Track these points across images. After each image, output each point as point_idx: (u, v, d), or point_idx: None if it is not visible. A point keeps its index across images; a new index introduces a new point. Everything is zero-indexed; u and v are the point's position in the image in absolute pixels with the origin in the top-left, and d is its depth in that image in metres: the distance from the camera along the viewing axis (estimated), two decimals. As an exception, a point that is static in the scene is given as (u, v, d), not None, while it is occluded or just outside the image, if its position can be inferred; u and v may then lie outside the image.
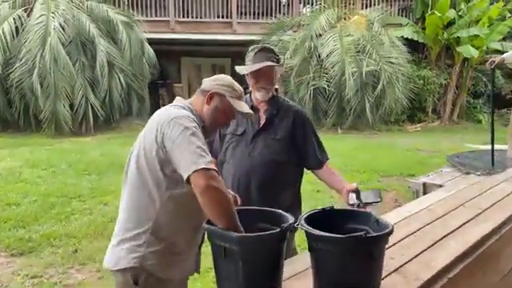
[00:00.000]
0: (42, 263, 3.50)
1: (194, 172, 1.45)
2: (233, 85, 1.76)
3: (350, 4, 13.07)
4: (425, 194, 3.93)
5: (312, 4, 13.43)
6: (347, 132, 11.29)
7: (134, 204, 1.66)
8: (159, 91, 14.04)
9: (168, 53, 14.66)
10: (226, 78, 1.79)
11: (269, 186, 2.17)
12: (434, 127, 12.74)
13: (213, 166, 1.49)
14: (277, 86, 2.32)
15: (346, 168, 6.89)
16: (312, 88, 11.19)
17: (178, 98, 1.81)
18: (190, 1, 13.08)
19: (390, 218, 2.09)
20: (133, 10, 12.61)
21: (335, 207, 1.73)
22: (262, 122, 2.22)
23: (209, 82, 1.77)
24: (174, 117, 1.58)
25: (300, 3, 13.80)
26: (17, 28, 10.03)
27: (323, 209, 1.68)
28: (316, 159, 2.27)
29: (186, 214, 1.63)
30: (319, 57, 11.44)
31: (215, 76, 1.82)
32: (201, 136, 1.56)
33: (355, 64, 11.04)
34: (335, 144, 9.20)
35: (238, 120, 2.15)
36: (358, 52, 11.35)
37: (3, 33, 9.69)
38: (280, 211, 1.67)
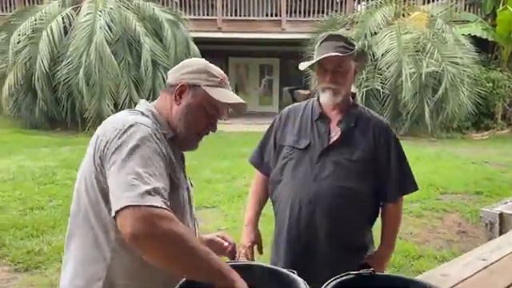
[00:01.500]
0: (44, 282, 3.13)
1: (117, 212, 0.98)
2: (208, 68, 1.25)
3: (409, -1, 12.09)
4: (502, 229, 3.09)
5: (367, 0, 12.56)
6: (403, 138, 10.23)
7: (79, 254, 1.16)
8: (205, 91, 13.79)
9: (215, 52, 14.36)
10: (198, 62, 1.28)
11: (340, 221, 1.69)
12: (503, 135, 11.41)
13: (154, 202, 0.99)
14: (354, 90, 1.82)
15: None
16: (364, 90, 10.37)
17: (141, 100, 1.30)
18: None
19: (458, 268, 1.72)
20: (180, 8, 12.44)
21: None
22: (334, 135, 1.73)
23: (175, 73, 1.26)
24: (119, 127, 1.08)
25: (354, 0, 12.98)
26: (65, 27, 10.10)
27: (359, 273, 1.17)
28: (395, 191, 1.76)
29: (148, 264, 1.09)
30: (373, 56, 10.59)
31: (182, 62, 1.29)
32: (148, 153, 1.06)
33: (414, 64, 10.09)
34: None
35: (300, 128, 1.77)
36: (418, 51, 10.37)
37: (51, 31, 9.77)
38: (293, 276, 1.12)
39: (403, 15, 11.62)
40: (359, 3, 13.05)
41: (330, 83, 1.68)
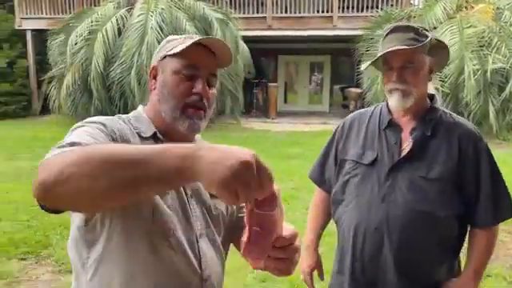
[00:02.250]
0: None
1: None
2: (172, 38, 1.08)
3: (473, -9, 11.23)
4: None
5: (426, -7, 11.84)
6: (463, 140, 9.63)
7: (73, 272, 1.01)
8: (254, 90, 13.67)
9: (265, 51, 14.26)
10: (165, 39, 1.11)
11: (414, 254, 1.40)
12: None
13: (59, 150, 0.77)
14: (433, 91, 1.53)
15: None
16: (422, 88, 9.76)
17: (139, 106, 1.14)
18: (288, -5, 12.46)
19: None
20: (230, 7, 12.39)
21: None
22: (407, 147, 1.44)
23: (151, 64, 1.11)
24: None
25: (412, -7, 12.30)
26: (119, 28, 10.35)
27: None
28: (487, 216, 1.42)
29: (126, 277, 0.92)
30: (432, 52, 9.93)
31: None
32: (87, 128, 0.90)
33: (478, 61, 9.34)
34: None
35: (366, 140, 1.51)
36: (482, 46, 9.60)
37: (106, 32, 10.05)
38: None
39: (466, 8, 10.81)
40: (417, -4, 12.34)
41: (397, 83, 1.40)
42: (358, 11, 12.31)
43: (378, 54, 1.43)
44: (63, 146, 0.81)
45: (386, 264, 1.40)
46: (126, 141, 0.95)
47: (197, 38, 1.02)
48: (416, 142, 1.42)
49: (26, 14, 13.08)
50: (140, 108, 1.11)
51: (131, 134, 0.99)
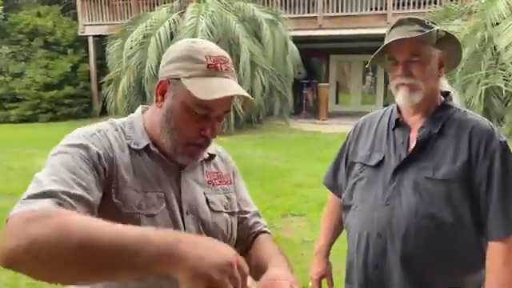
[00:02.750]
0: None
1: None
2: (191, 52, 0.92)
3: (543, -18, 10.34)
4: None
5: (490, -14, 11.08)
6: (530, 144, 8.90)
7: None
8: (304, 91, 13.53)
9: (316, 51, 14.09)
10: (182, 46, 0.95)
11: (421, 264, 1.28)
12: None
13: (35, 205, 0.73)
14: (447, 88, 1.40)
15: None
16: (483, 88, 9.13)
17: (139, 107, 1.07)
18: (340, -6, 12.21)
19: None
20: (280, 7, 12.36)
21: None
22: (413, 146, 1.34)
23: (161, 65, 0.98)
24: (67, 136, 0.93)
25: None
26: (171, 31, 10.66)
27: None
28: (499, 226, 1.25)
29: None
30: (495, 49, 9.27)
31: (169, 48, 1.00)
32: (68, 160, 0.84)
33: (547, 57, 8.60)
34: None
35: (374, 141, 1.43)
36: (553, 42, 8.82)
37: (159, 36, 10.39)
38: None
39: (534, 1, 10.00)
40: (479, -10, 11.57)
41: (403, 77, 1.30)
42: (414, 7, 11.80)
43: (381, 47, 1.33)
44: (36, 197, 0.75)
45: (392, 272, 1.30)
46: (112, 158, 0.91)
47: (224, 80, 0.91)
48: (421, 141, 1.31)
49: (88, 20, 13.89)
50: (139, 112, 1.04)
51: (120, 148, 0.95)
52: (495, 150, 1.27)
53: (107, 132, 0.96)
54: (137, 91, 10.92)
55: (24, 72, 13.22)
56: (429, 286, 1.30)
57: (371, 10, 12.24)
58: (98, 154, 0.90)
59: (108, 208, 0.88)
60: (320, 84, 13.39)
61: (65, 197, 0.77)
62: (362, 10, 12.19)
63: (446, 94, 1.41)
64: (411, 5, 11.86)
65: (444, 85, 1.42)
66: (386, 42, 1.31)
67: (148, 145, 0.97)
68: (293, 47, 11.16)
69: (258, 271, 0.95)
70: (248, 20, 10.96)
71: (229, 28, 10.53)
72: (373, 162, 1.40)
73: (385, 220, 1.30)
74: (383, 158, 1.38)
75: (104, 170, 0.89)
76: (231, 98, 0.93)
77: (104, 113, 13.61)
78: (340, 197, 1.55)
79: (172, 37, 10.65)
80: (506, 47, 9.02)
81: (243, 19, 10.93)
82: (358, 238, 1.37)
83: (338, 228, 1.62)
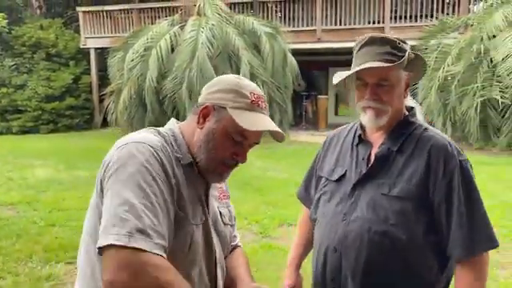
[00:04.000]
0: None
1: (101, 248, 0.87)
2: (237, 87, 1.07)
3: (538, -4, 10.50)
4: None
5: (485, 0, 11.25)
6: (526, 156, 8.95)
7: (79, 275, 1.09)
8: (303, 102, 13.64)
9: (315, 63, 14.22)
10: (229, 79, 1.11)
11: (377, 279, 1.28)
12: None
13: (143, 244, 0.85)
14: (413, 104, 1.49)
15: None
16: (479, 100, 9.23)
17: (172, 120, 1.17)
18: (338, 8, 12.38)
19: None
20: (280, 21, 12.54)
21: None
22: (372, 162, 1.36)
23: (205, 91, 1.10)
24: (125, 143, 0.99)
25: (469, 0, 11.73)
26: (172, 44, 10.81)
27: None
28: (459, 247, 1.24)
29: None
30: (491, 62, 9.39)
31: (216, 78, 1.12)
32: (147, 179, 0.93)
33: (542, 70, 8.70)
34: (509, 171, 7.33)
35: (339, 156, 1.45)
36: (548, 54, 8.93)
37: (160, 49, 10.54)
38: None
39: (530, 14, 10.14)
40: (475, 4, 11.75)
41: (370, 101, 1.30)
42: (411, 21, 11.96)
43: (352, 70, 1.32)
44: (142, 232, 0.87)
45: (347, 286, 1.31)
46: (172, 177, 1.01)
47: (263, 116, 1.07)
48: (379, 158, 1.33)
49: (90, 33, 14.08)
50: (174, 124, 1.13)
51: (174, 163, 1.04)
52: (454, 168, 1.26)
53: (163, 146, 1.04)
54: (137, 102, 11.03)
55: (26, 84, 13.36)
56: None
57: (369, 23, 12.40)
58: (167, 173, 0.99)
59: (177, 217, 1.00)
60: (319, 96, 13.50)
61: (158, 229, 0.90)
62: (360, 24, 12.34)
63: (410, 109, 1.41)
64: (408, 18, 12.02)
65: (408, 100, 1.46)
66: (357, 64, 1.30)
67: (191, 162, 1.08)
68: (292, 60, 11.28)
69: (233, 279, 1.17)
70: (248, 33, 11.12)
71: (229, 41, 10.68)
72: (335, 177, 1.41)
73: (341, 234, 1.31)
74: (345, 172, 1.39)
75: (174, 186, 1.00)
76: (265, 130, 1.07)
77: (105, 124, 13.73)
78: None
79: (173, 49, 10.81)
80: (503, 59, 9.14)
81: (243, 32, 11.09)
82: (317, 251, 1.40)
83: (308, 241, 1.60)
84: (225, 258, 1.21)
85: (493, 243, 1.26)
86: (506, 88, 8.99)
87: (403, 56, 1.27)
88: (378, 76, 1.29)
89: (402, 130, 1.35)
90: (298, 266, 1.63)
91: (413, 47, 1.39)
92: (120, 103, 11.03)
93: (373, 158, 1.35)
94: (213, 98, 1.07)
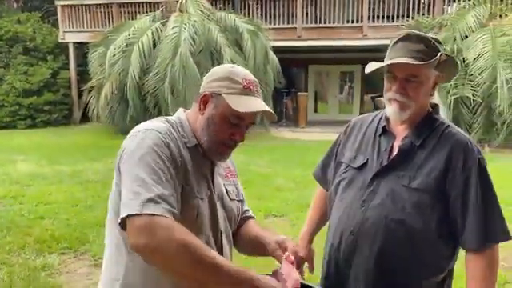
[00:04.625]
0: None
1: (124, 219, 1.03)
2: (231, 75, 1.21)
3: (508, -1, 11.02)
4: None
5: (459, 1, 11.71)
6: (497, 151, 9.39)
7: (107, 253, 1.24)
8: (284, 99, 13.86)
9: (295, 61, 14.47)
10: (223, 68, 1.25)
11: (386, 265, 1.37)
12: None
13: (155, 210, 1.01)
14: (436, 101, 1.54)
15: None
16: (453, 97, 9.63)
17: (180, 109, 1.32)
18: (318, 7, 12.64)
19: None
20: (261, 18, 12.70)
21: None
22: (395, 154, 1.43)
23: (204, 81, 1.26)
24: (137, 131, 1.15)
25: (444, 1, 12.18)
26: (154, 40, 10.82)
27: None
28: (474, 237, 1.32)
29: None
30: (463, 61, 9.81)
31: (212, 70, 1.28)
32: (156, 158, 1.08)
33: (511, 70, 9.16)
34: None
35: (361, 144, 1.51)
36: (516, 55, 9.41)
37: (142, 44, 10.53)
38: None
39: (500, 16, 10.64)
40: (449, 5, 12.20)
41: (397, 94, 1.37)
42: (388, 21, 12.32)
43: (385, 63, 1.38)
44: (151, 201, 1.02)
45: (359, 268, 1.39)
46: (178, 156, 1.15)
47: (255, 98, 1.19)
48: (401, 151, 1.40)
49: (69, 27, 13.88)
50: (182, 112, 1.28)
51: (180, 146, 1.18)
52: (472, 165, 1.33)
53: (170, 132, 1.18)
54: (119, 98, 10.99)
55: (3, 78, 13.11)
56: (394, 284, 1.38)
57: (348, 22, 12.71)
58: (173, 153, 1.13)
59: (183, 191, 1.13)
60: (299, 93, 13.76)
61: (168, 198, 1.04)
62: (339, 23, 12.63)
63: (434, 106, 1.46)
64: (385, 18, 12.38)
65: (435, 97, 1.56)
66: (392, 58, 1.36)
67: (196, 144, 1.22)
68: (273, 57, 11.46)
69: (256, 240, 1.34)
70: (230, 30, 11.23)
71: (211, 37, 10.77)
72: (356, 164, 1.47)
73: (358, 220, 1.39)
74: (366, 161, 1.45)
75: (180, 164, 1.14)
76: (258, 111, 1.20)
77: (84, 119, 13.60)
78: (327, 190, 1.63)
79: (155, 45, 10.81)
80: (475, 59, 9.56)
81: (225, 29, 11.19)
82: (333, 232, 1.48)
83: (322, 218, 1.69)
84: (238, 229, 1.37)
85: (506, 236, 1.35)
86: (478, 86, 9.41)
87: (435, 56, 1.33)
88: (408, 72, 1.35)
89: (426, 125, 1.41)
90: (311, 240, 1.71)
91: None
92: (101, 98, 10.96)
93: (395, 150, 1.42)
94: (210, 86, 1.21)
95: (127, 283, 1.15)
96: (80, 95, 13.61)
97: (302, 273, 1.66)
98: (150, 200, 1.01)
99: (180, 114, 1.28)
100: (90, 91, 11.97)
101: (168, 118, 1.26)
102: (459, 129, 1.45)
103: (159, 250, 0.98)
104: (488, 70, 9.23)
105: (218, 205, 1.27)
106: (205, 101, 1.21)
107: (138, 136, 1.13)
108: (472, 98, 9.45)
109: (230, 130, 1.20)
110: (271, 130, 12.09)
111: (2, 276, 3.39)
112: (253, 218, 1.46)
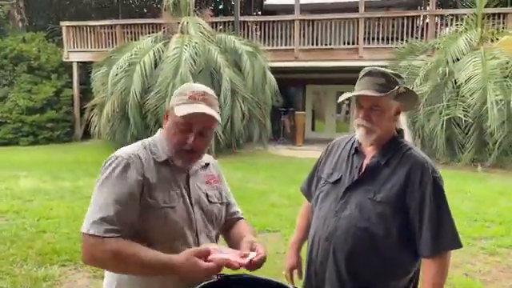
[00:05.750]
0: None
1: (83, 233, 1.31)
2: (182, 90, 1.41)
3: (498, 23, 11.38)
4: None
5: (451, 25, 12.09)
6: (490, 171, 9.60)
7: None
8: (281, 118, 14.14)
9: (293, 80, 14.81)
10: (184, 85, 1.45)
11: (355, 267, 1.58)
12: None
13: (96, 230, 1.26)
14: (403, 127, 1.73)
15: (478, 216, 5.76)
16: (445, 118, 9.90)
17: (160, 129, 1.53)
18: (315, 29, 13.02)
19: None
20: (260, 40, 13.08)
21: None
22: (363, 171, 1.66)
23: None
24: (109, 158, 1.39)
25: (437, 25, 12.56)
26: (156, 60, 11.15)
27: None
28: (428, 245, 1.53)
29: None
30: (455, 83, 10.11)
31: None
32: (114, 183, 1.31)
33: (501, 91, 9.43)
34: (471, 184, 7.93)
35: (337, 162, 1.73)
36: (506, 77, 9.69)
37: (144, 64, 10.85)
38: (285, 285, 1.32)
39: (491, 40, 10.98)
40: (441, 29, 12.58)
41: (363, 120, 1.60)
42: (383, 43, 12.69)
43: (352, 94, 1.61)
44: (96, 223, 1.27)
45: (331, 271, 1.61)
46: (145, 171, 1.35)
47: (197, 105, 1.35)
48: (368, 168, 1.63)
49: (73, 47, 14.28)
50: (159, 131, 1.48)
51: (148, 162, 1.37)
52: (428, 182, 1.54)
53: (139, 152, 1.39)
54: (121, 116, 11.25)
55: (7, 96, 13.41)
56: (363, 285, 1.57)
57: (344, 44, 13.07)
58: (131, 178, 1.33)
59: (147, 204, 1.33)
60: (297, 112, 14.04)
61: (112, 219, 1.27)
62: (335, 44, 13.00)
63: (399, 131, 1.68)
64: (380, 40, 12.76)
65: (401, 123, 1.74)
66: (357, 90, 1.60)
67: (167, 159, 1.42)
68: (271, 77, 11.77)
69: (239, 239, 1.46)
70: (229, 51, 11.58)
71: (211, 58, 11.10)
72: (332, 179, 1.70)
73: (332, 228, 1.61)
74: (340, 177, 1.67)
75: (141, 183, 1.34)
76: (205, 117, 1.35)
77: (86, 137, 13.85)
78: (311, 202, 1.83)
79: (156, 65, 11.13)
80: (466, 81, 9.86)
81: (225, 50, 11.54)
82: (312, 239, 1.70)
83: (308, 227, 1.84)
84: (229, 229, 1.56)
85: (456, 244, 1.56)
86: (469, 107, 9.68)
87: (393, 88, 1.57)
88: (371, 102, 1.59)
89: (391, 147, 1.64)
90: (299, 249, 1.93)
91: (385, 67, 1.69)
92: (103, 116, 11.22)
93: (364, 167, 1.65)
94: (171, 102, 1.42)
95: (120, 284, 1.38)
96: (82, 113, 13.88)
97: (291, 278, 1.88)
98: (94, 222, 1.26)
99: (158, 132, 1.48)
100: (92, 109, 12.24)
101: (146, 139, 1.47)
102: (420, 151, 1.67)
103: (97, 260, 1.29)
104: (479, 92, 9.51)
105: (196, 208, 1.43)
106: (166, 115, 1.43)
107: (107, 162, 1.36)
108: (464, 118, 9.70)
109: (183, 135, 1.36)
110: (269, 148, 12.33)
111: (6, 286, 3.56)
112: (242, 219, 1.63)
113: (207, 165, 1.55)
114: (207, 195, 1.49)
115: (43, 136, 13.57)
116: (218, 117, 1.39)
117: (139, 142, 1.46)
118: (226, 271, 1.32)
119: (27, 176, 8.22)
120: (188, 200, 1.42)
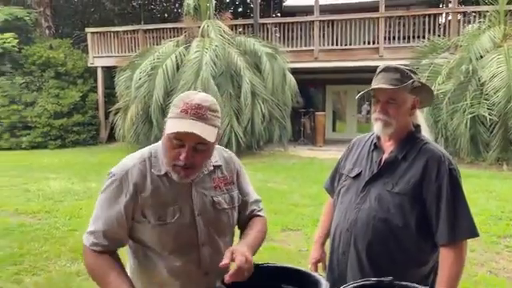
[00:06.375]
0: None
1: None
2: (177, 101, 1.31)
3: (523, 19, 11.15)
4: None
5: (474, 22, 11.90)
6: (515, 169, 9.43)
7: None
8: (301, 119, 14.17)
9: (313, 81, 14.82)
10: (182, 95, 1.33)
11: (375, 255, 1.65)
12: None
13: (88, 241, 1.38)
14: (420, 122, 1.78)
15: (503, 215, 5.67)
16: (469, 116, 9.75)
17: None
18: (335, 29, 13.02)
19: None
20: (280, 42, 13.16)
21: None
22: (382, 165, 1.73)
23: None
24: (108, 174, 1.43)
25: (459, 23, 12.38)
26: (177, 63, 11.37)
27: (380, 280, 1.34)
28: (445, 234, 1.59)
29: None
30: (479, 81, 9.96)
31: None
32: (109, 198, 1.36)
33: (526, 88, 9.25)
34: (496, 184, 7.81)
35: (358, 158, 1.81)
36: (531, 74, 9.49)
37: (166, 68, 11.09)
38: (309, 272, 1.42)
39: (516, 36, 10.77)
40: (464, 26, 12.38)
41: (380, 114, 1.67)
42: (404, 41, 12.57)
43: (369, 88, 1.69)
44: (87, 233, 1.39)
45: (352, 260, 1.68)
46: (138, 189, 1.35)
47: (187, 120, 1.24)
48: (386, 163, 1.70)
49: (98, 52, 14.68)
50: (160, 143, 1.40)
51: (144, 178, 1.36)
52: (444, 174, 1.60)
53: (138, 166, 1.37)
54: (144, 119, 11.52)
55: (36, 101, 13.89)
56: (382, 273, 1.54)
57: (364, 43, 13.01)
58: (128, 193, 1.35)
59: (140, 221, 1.36)
60: (317, 113, 14.05)
61: (99, 233, 1.35)
62: (355, 44, 12.95)
63: (417, 126, 1.74)
64: (401, 39, 12.64)
65: (419, 118, 1.80)
66: (373, 85, 1.67)
67: (166, 172, 1.36)
68: (291, 78, 11.83)
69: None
70: (249, 53, 11.70)
71: (231, 61, 11.25)
72: (353, 174, 1.77)
73: (353, 219, 1.68)
74: (361, 172, 1.75)
75: (133, 205, 1.35)
76: (194, 135, 1.23)
77: (110, 140, 14.21)
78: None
79: (178, 68, 11.36)
80: (490, 78, 9.69)
81: (244, 52, 11.68)
82: (334, 231, 1.78)
83: (331, 222, 1.89)
84: (243, 228, 1.53)
85: (473, 233, 1.61)
86: (493, 105, 9.51)
87: (408, 82, 1.64)
88: (387, 96, 1.66)
89: (408, 142, 1.70)
90: (323, 243, 1.99)
91: (406, 66, 1.74)
92: (127, 119, 11.51)
93: (383, 162, 1.72)
94: (169, 113, 1.32)
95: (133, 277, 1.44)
96: (107, 116, 14.23)
97: (316, 271, 1.93)
98: (87, 233, 1.38)
99: (159, 142, 1.41)
100: (116, 113, 12.56)
101: (152, 146, 1.43)
102: (437, 145, 1.73)
103: (85, 264, 1.42)
104: (503, 90, 9.34)
105: (200, 219, 1.39)
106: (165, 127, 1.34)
107: (108, 177, 1.39)
108: (488, 116, 9.54)
109: (176, 150, 1.28)
110: (289, 149, 12.38)
111: (41, 281, 3.75)
112: (258, 216, 1.58)
113: (217, 167, 1.46)
114: (213, 202, 1.42)
115: (70, 139, 14.01)
116: (208, 134, 1.26)
117: (145, 150, 1.42)
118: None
119: (56, 178, 8.52)
120: (190, 212, 1.37)
